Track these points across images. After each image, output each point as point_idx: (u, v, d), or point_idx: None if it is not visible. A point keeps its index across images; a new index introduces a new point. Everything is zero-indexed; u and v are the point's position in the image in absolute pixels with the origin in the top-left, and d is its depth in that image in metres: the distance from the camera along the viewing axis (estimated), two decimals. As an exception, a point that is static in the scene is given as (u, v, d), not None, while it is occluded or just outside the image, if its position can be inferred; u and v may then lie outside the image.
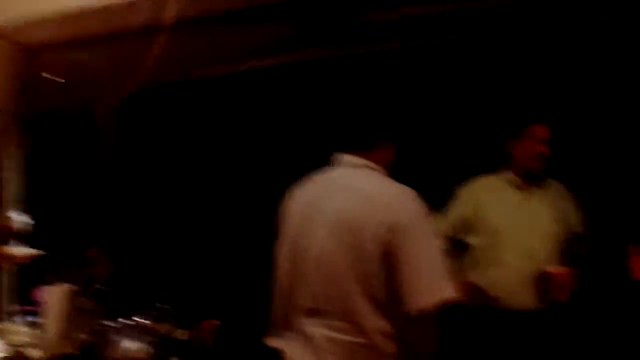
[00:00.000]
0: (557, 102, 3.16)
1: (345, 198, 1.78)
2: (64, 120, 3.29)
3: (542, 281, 2.63)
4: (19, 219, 3.20)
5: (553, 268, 2.62)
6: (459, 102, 3.41)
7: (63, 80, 2.99)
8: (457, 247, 2.83)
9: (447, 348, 2.71)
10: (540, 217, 2.75)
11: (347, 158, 1.87)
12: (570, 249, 2.79)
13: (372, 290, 1.70)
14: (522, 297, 2.69)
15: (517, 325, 2.67)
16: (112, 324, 2.74)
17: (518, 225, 2.72)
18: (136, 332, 2.75)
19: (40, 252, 2.52)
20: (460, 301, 1.74)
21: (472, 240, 2.79)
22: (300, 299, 1.82)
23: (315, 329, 1.76)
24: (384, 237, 1.67)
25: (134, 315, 2.82)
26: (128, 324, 2.78)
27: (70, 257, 2.77)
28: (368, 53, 3.08)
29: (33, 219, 3.16)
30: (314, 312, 1.78)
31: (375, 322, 1.71)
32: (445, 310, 1.70)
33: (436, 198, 2.77)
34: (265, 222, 2.11)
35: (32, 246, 2.91)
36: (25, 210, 3.17)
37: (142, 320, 2.83)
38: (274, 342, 1.89)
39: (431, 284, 1.67)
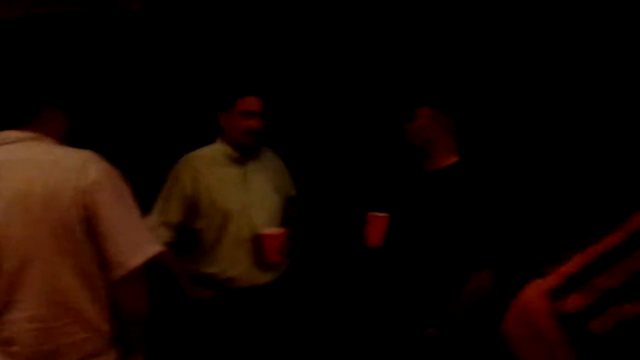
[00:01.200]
0: (272, 73, 3.12)
1: (26, 171, 1.63)
2: None
3: (257, 244, 2.56)
4: None
5: (266, 230, 2.56)
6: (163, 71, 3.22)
7: None
8: (184, 235, 2.61)
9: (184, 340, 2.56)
10: (262, 189, 2.66)
11: (7, 134, 1.70)
12: (286, 212, 2.77)
13: (78, 263, 1.63)
14: (257, 273, 2.60)
15: (253, 302, 2.60)
16: None
17: (242, 202, 2.59)
18: None
19: None
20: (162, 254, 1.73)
21: (198, 224, 2.57)
22: None
23: (17, 325, 1.61)
24: (82, 201, 1.61)
25: None
26: None
27: None
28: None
29: None
30: (11, 305, 1.62)
31: (86, 297, 1.65)
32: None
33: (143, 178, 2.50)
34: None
35: None
36: None
37: None
38: None
39: (136, 242, 1.66)
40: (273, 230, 2.57)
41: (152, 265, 1.71)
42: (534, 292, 1.08)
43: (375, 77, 3.06)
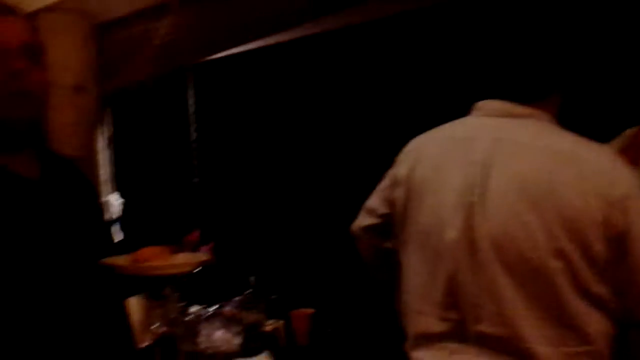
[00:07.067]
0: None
1: (533, 159, 1.30)
2: (148, 96, 3.11)
3: None
4: (116, 203, 3.11)
5: None
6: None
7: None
8: None
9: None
10: None
11: (504, 106, 1.39)
12: None
13: (585, 282, 1.25)
14: None
15: None
16: (196, 312, 2.53)
17: None
18: (222, 321, 2.51)
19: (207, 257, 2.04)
20: None
21: None
22: (471, 296, 1.32)
23: (494, 335, 1.30)
24: (609, 215, 1.24)
25: (220, 303, 2.59)
26: (213, 313, 2.56)
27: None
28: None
29: (125, 202, 3.06)
30: (490, 313, 1.30)
31: (597, 324, 1.28)
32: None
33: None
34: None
35: (125, 231, 2.77)
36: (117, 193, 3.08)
37: (229, 309, 2.59)
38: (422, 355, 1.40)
39: None
40: None
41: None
42: None
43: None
